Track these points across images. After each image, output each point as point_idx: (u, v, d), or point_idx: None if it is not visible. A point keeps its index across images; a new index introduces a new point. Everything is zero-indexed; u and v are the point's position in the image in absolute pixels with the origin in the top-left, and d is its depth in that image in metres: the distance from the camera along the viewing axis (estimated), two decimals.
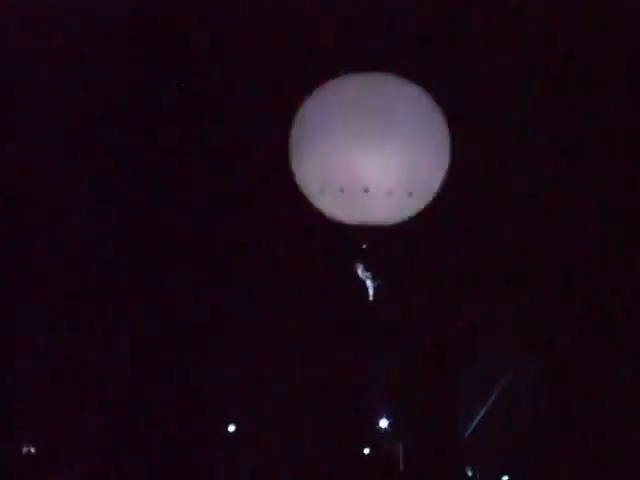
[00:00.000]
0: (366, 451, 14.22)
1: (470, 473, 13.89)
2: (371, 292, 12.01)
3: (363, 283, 12.03)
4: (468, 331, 14.08)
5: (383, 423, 14.23)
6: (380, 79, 11.50)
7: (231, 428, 14.55)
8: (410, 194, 11.23)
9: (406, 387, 14.05)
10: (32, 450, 14.11)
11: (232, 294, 14.16)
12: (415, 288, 13.96)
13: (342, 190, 11.07)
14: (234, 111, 13.93)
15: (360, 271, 12.03)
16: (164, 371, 14.09)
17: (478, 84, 13.66)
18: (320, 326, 14.04)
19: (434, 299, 14.07)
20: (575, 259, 13.91)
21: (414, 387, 14.01)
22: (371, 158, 10.93)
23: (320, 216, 11.78)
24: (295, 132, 11.55)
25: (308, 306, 13.97)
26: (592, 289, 13.87)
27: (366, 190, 11.01)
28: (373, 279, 12.06)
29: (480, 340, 14.07)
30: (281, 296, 13.98)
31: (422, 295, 14.05)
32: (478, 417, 13.86)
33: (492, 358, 14.01)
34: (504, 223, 13.97)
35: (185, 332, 14.14)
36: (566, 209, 13.88)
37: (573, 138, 13.70)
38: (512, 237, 13.98)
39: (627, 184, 13.70)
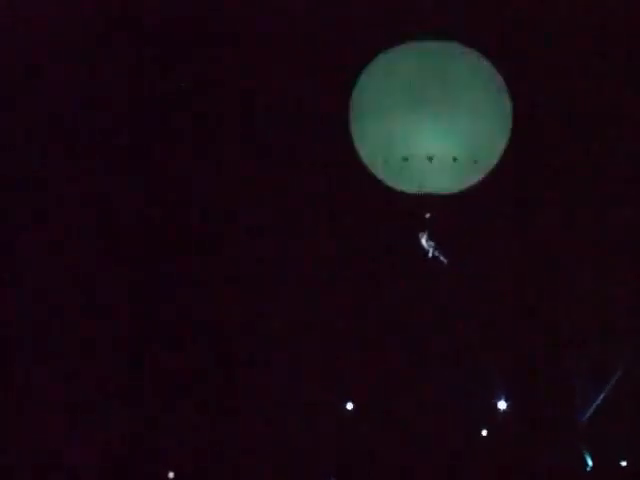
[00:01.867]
0: (484, 433, 14.06)
1: (588, 458, 13.61)
2: (440, 259, 11.95)
3: (427, 253, 11.98)
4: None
5: (501, 405, 14.04)
6: (440, 46, 11.39)
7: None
8: (475, 162, 11.16)
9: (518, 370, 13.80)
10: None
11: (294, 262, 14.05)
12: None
13: (406, 159, 11.02)
14: (286, 82, 13.80)
15: (424, 241, 11.98)
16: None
17: (540, 53, 13.44)
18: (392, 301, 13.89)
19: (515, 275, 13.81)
20: None
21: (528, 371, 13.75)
22: (435, 126, 10.88)
23: (382, 186, 11.75)
24: (355, 103, 11.50)
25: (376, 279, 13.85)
26: None
27: (430, 158, 10.97)
28: (437, 249, 12.00)
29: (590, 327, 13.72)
30: (347, 268, 13.88)
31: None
32: (595, 402, 13.61)
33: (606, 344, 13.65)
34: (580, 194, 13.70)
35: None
36: None
37: None
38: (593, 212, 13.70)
39: None
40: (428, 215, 11.74)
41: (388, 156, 11.10)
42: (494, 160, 11.46)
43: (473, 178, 11.50)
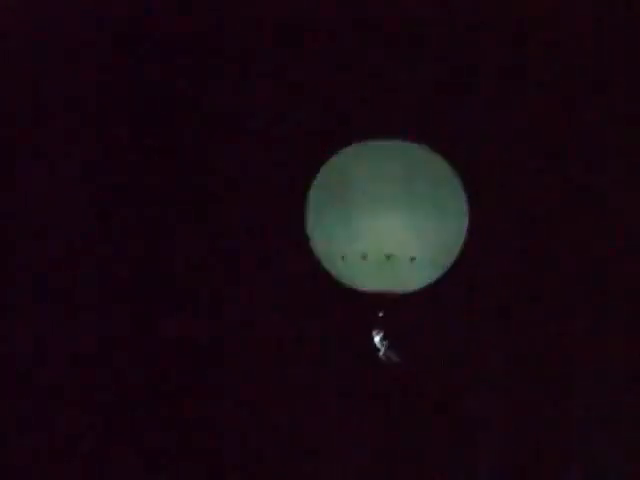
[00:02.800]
0: None
1: None
2: (391, 359, 11.76)
3: (380, 352, 11.77)
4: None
5: None
6: (399, 146, 11.39)
7: None
8: (433, 261, 11.06)
9: None
10: None
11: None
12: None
13: (364, 257, 10.88)
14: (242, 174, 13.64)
15: (378, 340, 11.78)
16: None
17: (492, 147, 13.46)
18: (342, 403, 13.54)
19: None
20: None
21: None
22: (396, 224, 10.77)
23: (335, 283, 11.58)
24: (313, 197, 11.35)
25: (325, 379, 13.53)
26: None
27: (388, 257, 10.84)
28: (390, 348, 11.81)
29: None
30: (295, 367, 13.54)
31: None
32: None
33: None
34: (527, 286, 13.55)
35: None
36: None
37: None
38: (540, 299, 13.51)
39: None
40: (381, 314, 11.60)
41: (346, 253, 10.97)
42: (452, 259, 11.39)
43: (430, 277, 11.39)
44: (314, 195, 11.34)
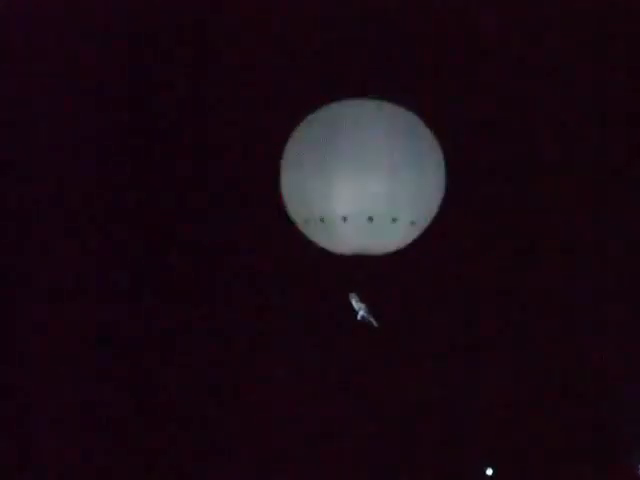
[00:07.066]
0: None
1: None
2: (369, 321, 11.61)
3: (358, 315, 11.64)
4: None
5: None
6: (373, 105, 11.10)
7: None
8: (413, 221, 10.88)
9: None
10: None
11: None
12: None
13: (344, 219, 10.68)
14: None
15: (355, 302, 11.62)
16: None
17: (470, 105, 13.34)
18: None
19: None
20: None
21: None
22: (379, 186, 10.55)
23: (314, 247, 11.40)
24: (290, 153, 11.10)
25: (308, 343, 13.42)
26: None
27: (371, 219, 10.65)
28: (368, 310, 11.66)
29: None
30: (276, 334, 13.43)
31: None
32: None
33: None
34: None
35: None
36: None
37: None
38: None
39: None
40: (359, 275, 11.41)
41: (325, 215, 10.75)
42: (429, 219, 11.21)
43: (410, 237, 11.21)
44: (291, 151, 11.05)
